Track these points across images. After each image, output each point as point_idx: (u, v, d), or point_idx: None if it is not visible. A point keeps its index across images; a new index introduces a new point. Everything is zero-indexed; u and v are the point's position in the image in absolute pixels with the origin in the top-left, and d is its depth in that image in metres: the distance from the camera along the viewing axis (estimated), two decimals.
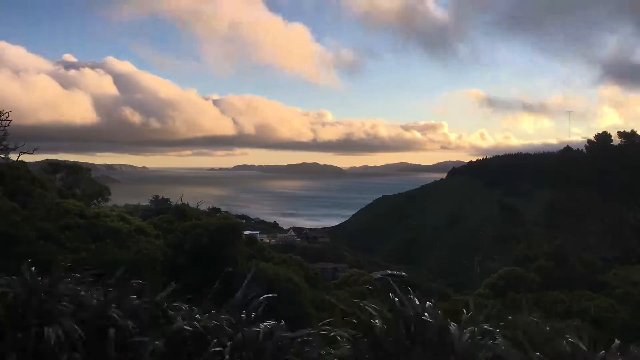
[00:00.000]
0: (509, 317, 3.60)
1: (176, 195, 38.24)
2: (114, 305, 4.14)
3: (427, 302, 3.31)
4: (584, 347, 3.03)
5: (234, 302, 3.70)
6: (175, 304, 4.02)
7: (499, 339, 3.10)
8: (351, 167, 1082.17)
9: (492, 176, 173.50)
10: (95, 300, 4.12)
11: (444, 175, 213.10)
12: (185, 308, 3.79)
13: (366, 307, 3.22)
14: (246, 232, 49.26)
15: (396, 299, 3.25)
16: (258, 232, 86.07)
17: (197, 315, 3.57)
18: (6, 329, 3.69)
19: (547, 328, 3.26)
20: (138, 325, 3.81)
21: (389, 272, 78.59)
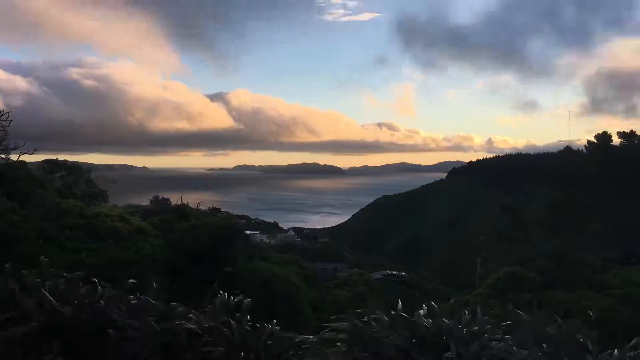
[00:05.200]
0: (512, 317, 3.59)
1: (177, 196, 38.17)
2: (112, 305, 4.12)
3: (427, 303, 3.30)
4: (589, 347, 3.02)
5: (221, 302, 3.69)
6: (173, 304, 4.01)
7: (502, 340, 3.09)
8: (351, 167, 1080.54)
9: (492, 176, 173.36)
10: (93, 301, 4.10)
11: (444, 175, 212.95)
12: (183, 308, 3.77)
13: (364, 308, 3.20)
14: (246, 232, 49.22)
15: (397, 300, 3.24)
16: (258, 232, 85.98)
17: (194, 316, 3.56)
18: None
19: (550, 328, 3.25)
20: (137, 326, 3.80)
21: (389, 272, 78.39)
